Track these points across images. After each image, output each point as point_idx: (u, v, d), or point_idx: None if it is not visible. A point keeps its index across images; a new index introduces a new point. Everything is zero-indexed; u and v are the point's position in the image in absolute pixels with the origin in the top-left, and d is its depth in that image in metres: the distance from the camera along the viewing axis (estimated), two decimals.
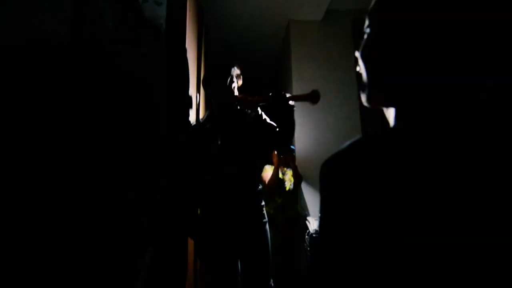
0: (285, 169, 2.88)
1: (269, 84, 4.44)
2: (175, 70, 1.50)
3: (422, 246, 0.38)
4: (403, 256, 0.38)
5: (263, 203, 1.78)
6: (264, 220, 1.74)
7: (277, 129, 1.72)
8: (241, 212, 1.68)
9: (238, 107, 1.79)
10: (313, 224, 2.54)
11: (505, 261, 0.36)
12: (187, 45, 1.67)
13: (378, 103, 0.53)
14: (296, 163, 2.88)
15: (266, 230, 1.72)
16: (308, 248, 2.50)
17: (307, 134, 3.03)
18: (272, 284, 1.69)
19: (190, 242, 1.84)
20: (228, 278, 1.68)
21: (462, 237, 0.37)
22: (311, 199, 2.93)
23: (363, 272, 0.39)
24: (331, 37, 3.23)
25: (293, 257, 2.81)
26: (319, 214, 0.41)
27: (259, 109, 1.79)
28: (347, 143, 0.42)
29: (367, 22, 0.53)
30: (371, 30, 0.52)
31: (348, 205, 0.39)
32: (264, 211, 1.76)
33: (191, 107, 1.77)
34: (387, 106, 0.51)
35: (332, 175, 0.40)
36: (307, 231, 2.57)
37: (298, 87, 3.09)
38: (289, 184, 2.83)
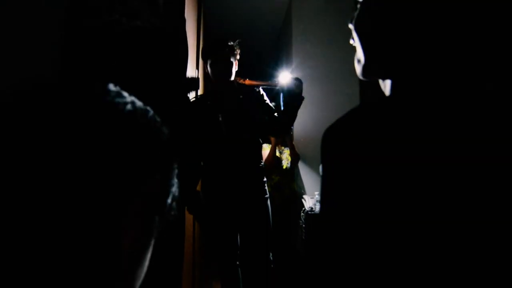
0: (282, 147, 2.89)
1: (269, 60, 4.37)
2: (173, 44, 1.47)
3: (424, 223, 0.37)
4: (403, 228, 0.38)
5: (265, 179, 1.80)
6: (266, 196, 1.76)
7: (275, 113, 1.73)
8: (244, 187, 1.70)
9: (239, 84, 1.80)
10: (308, 202, 2.58)
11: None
12: (185, 18, 1.62)
13: (373, 76, 0.51)
14: (294, 142, 2.88)
15: (267, 206, 1.75)
16: (304, 225, 2.54)
17: (305, 113, 3.02)
18: (272, 258, 1.74)
19: (187, 232, 1.86)
20: (227, 252, 1.72)
21: (462, 211, 0.37)
22: (308, 178, 2.96)
23: (364, 245, 0.39)
24: (334, 14, 3.16)
25: (289, 234, 2.86)
26: (321, 184, 0.41)
27: (261, 89, 1.81)
28: (347, 112, 0.42)
29: None
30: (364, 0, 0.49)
31: (350, 173, 0.39)
32: (266, 187, 1.78)
33: (191, 84, 1.75)
34: (383, 78, 0.50)
35: (334, 142, 0.40)
36: (303, 208, 2.61)
37: (298, 63, 3.05)
38: (286, 162, 2.84)
